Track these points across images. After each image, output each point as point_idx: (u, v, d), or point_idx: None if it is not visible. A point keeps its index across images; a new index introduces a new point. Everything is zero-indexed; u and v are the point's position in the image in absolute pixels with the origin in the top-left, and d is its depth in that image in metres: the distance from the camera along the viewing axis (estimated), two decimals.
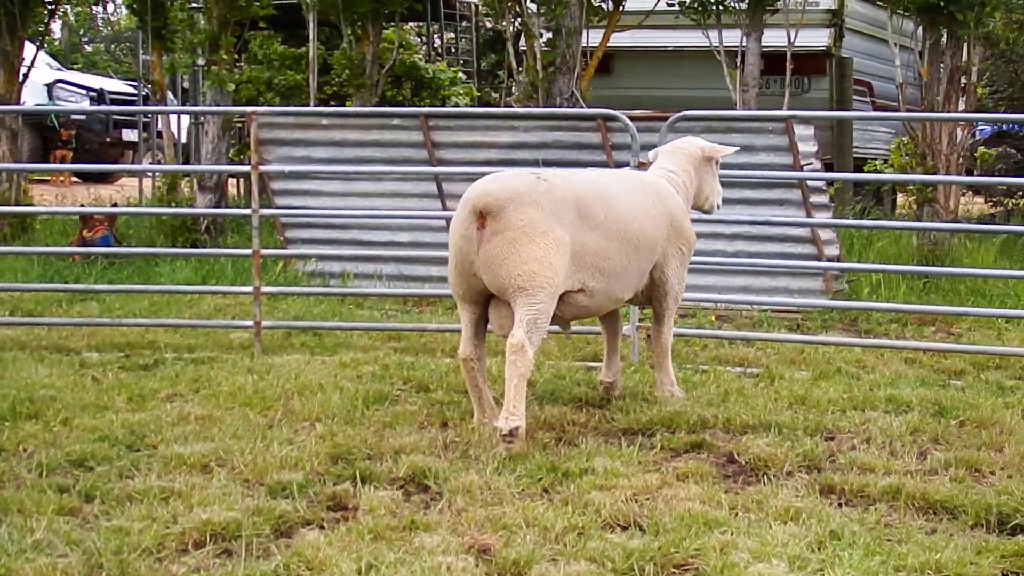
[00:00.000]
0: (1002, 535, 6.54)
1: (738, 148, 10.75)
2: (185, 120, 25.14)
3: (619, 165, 13.39)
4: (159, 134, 23.37)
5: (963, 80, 17.33)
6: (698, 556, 5.98)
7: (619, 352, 9.55)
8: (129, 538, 6.10)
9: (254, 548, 6.11)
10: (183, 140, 24.94)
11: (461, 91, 23.17)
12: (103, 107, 28.41)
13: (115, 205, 18.44)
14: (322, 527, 6.47)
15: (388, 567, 5.74)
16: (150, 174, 23.43)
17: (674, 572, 5.90)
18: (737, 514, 6.66)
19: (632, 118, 11.50)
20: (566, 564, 5.85)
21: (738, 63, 18.39)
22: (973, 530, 6.63)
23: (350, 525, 6.40)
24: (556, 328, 9.26)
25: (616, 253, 8.63)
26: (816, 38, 21.65)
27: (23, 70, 18.42)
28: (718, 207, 10.10)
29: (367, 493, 6.93)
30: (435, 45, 30.93)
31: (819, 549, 6.14)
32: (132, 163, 29.65)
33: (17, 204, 17.80)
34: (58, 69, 31.79)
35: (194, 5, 19.12)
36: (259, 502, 6.74)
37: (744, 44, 18.46)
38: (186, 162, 23.86)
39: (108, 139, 29.82)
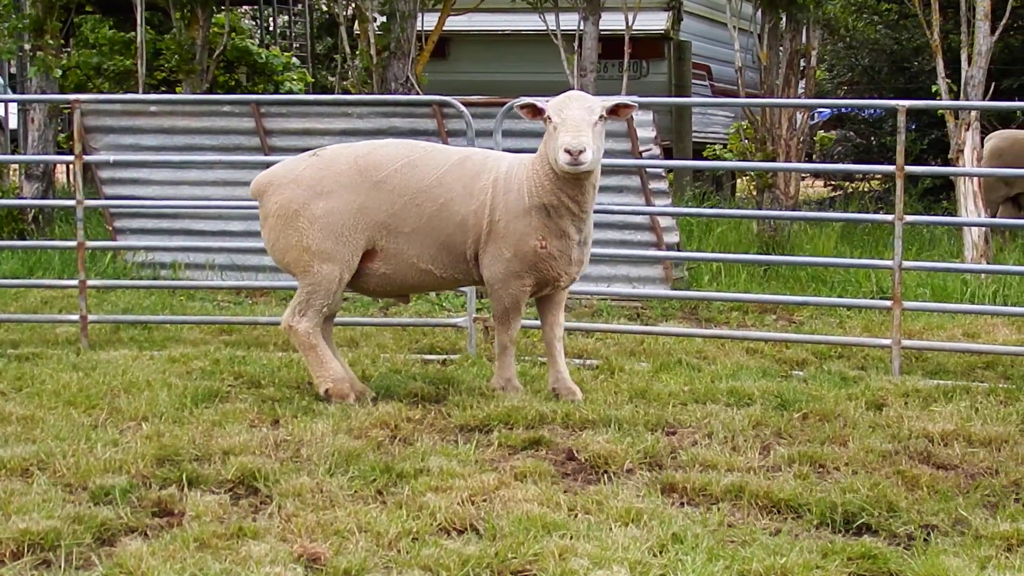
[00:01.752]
0: (848, 535, 6.45)
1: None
2: (14, 106, 24.58)
3: None
4: None
5: (802, 64, 17.41)
6: (536, 562, 5.82)
7: (555, 357, 9.26)
8: None
9: (74, 558, 5.89)
10: (12, 126, 24.37)
11: (295, 76, 22.80)
12: None
13: None
14: (146, 535, 6.24)
15: None
16: None
17: None
18: (576, 516, 6.50)
19: (467, 104, 11.33)
20: (399, 572, 5.69)
21: (575, 47, 18.30)
22: (818, 530, 6.53)
23: (175, 532, 6.18)
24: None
25: (404, 210, 8.85)
26: (654, 21, 21.72)
27: None
28: (567, 163, 8.53)
29: (193, 498, 6.71)
30: (269, 29, 30.51)
31: (661, 553, 6.00)
32: None
33: None
34: None
35: None
36: (80, 509, 6.49)
37: (582, 28, 18.38)
38: (15, 149, 23.32)
39: None
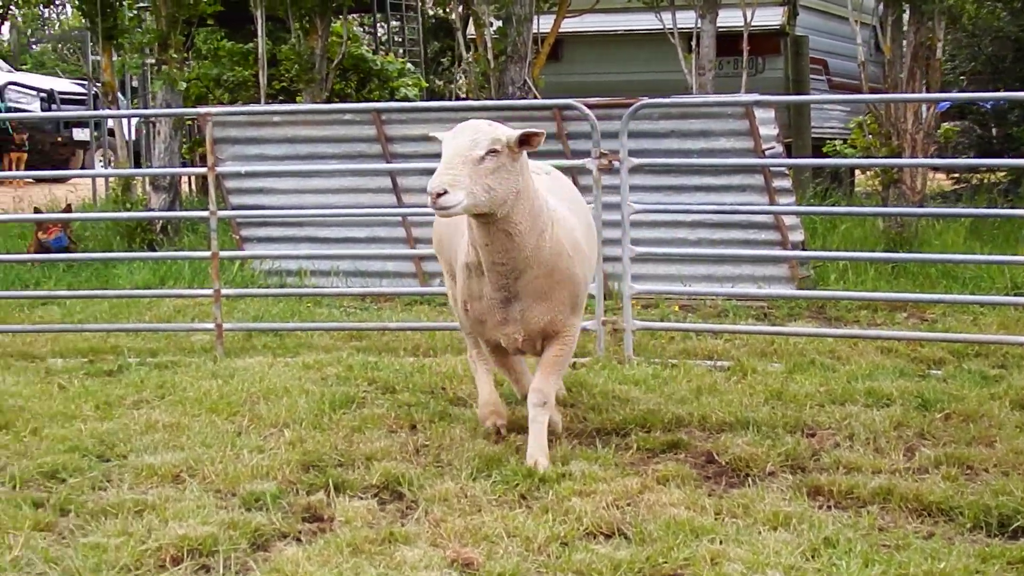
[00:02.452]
0: (1005, 539, 6.37)
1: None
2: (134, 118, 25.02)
3: (575, 155, 13.33)
4: (110, 132, 23.21)
5: (927, 56, 17.19)
6: (688, 566, 5.87)
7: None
8: (107, 555, 6.00)
9: (232, 563, 6.01)
10: (131, 137, 24.80)
11: (409, 82, 23.01)
12: (64, 113, 28.21)
13: (69, 207, 18.26)
14: (299, 540, 6.38)
15: None
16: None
17: None
18: (724, 520, 6.53)
19: (589, 106, 11.36)
20: None
21: (693, 45, 18.30)
22: (973, 533, 6.45)
23: (328, 538, 6.30)
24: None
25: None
26: (770, 17, 21.60)
27: None
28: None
29: (342, 503, 6.83)
30: (380, 35, 30.74)
31: (814, 557, 5.99)
32: (83, 162, 29.57)
33: None
34: (8, 71, 31.62)
35: (142, 4, 18.96)
36: (234, 515, 6.63)
37: (698, 25, 18.36)
38: (136, 160, 23.74)
39: (59, 139, 29.79)
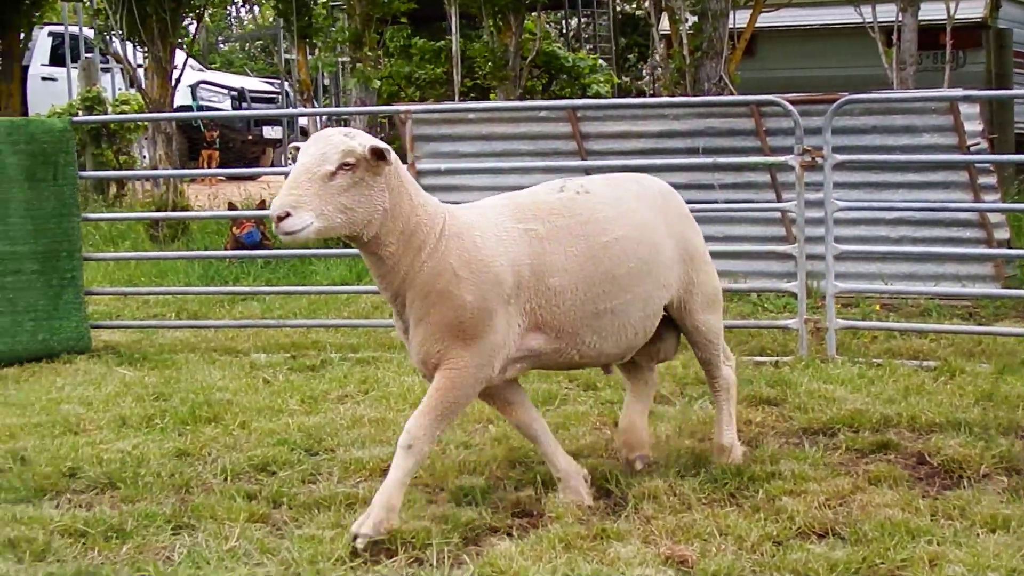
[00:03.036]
0: None
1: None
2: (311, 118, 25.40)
3: (774, 151, 13.21)
4: (303, 131, 23.55)
5: None
6: (906, 568, 5.80)
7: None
8: (322, 547, 6.10)
9: (445, 557, 6.05)
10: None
11: (601, 78, 22.98)
12: (258, 112, 28.77)
13: (263, 203, 18.54)
14: (510, 535, 6.40)
15: None
16: None
17: None
18: (940, 522, 6.44)
19: (790, 102, 11.23)
20: None
21: (893, 39, 18.02)
22: None
23: (539, 533, 6.32)
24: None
25: None
26: (972, 9, 21.17)
27: (175, 75, 18.65)
28: None
29: (551, 499, 6.84)
30: (562, 32, 30.79)
31: None
32: (273, 160, 30.06)
33: (175, 206, 18.05)
34: (199, 70, 32.19)
35: (336, 3, 19.20)
36: (444, 509, 6.71)
37: (899, 19, 18.07)
38: None
39: (250, 137, 30.24)
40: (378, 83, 18.24)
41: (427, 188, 14.41)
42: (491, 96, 19.90)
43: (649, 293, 7.12)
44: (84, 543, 6.28)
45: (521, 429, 7.08)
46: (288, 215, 6.01)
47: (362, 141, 6.22)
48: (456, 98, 18.41)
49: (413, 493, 6.94)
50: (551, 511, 6.65)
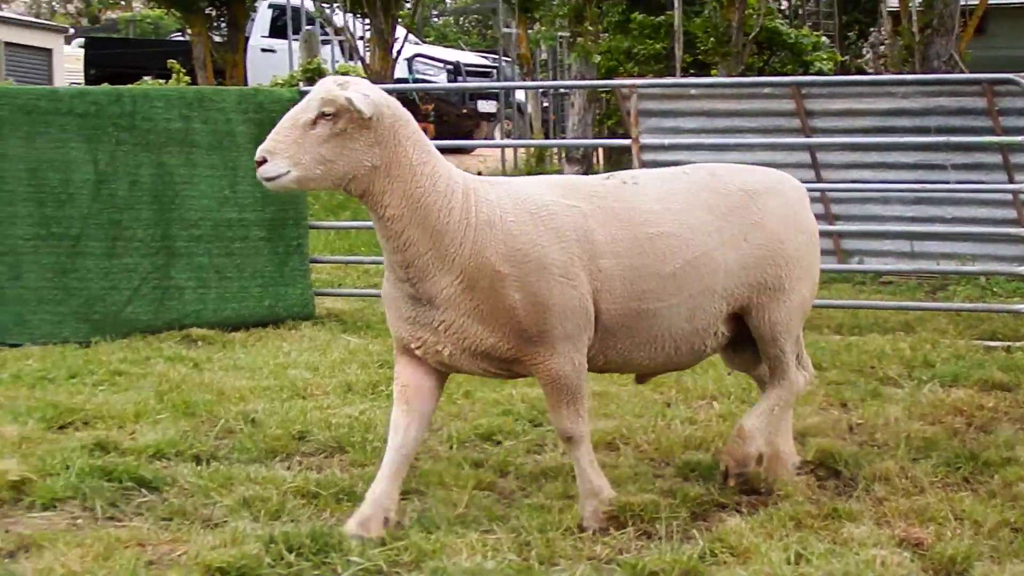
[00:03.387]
0: None
1: None
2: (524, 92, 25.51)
3: (1006, 131, 12.92)
4: (519, 108, 23.68)
5: None
6: None
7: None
8: (550, 516, 6.11)
9: (674, 531, 6.01)
10: (529, 110, 25.36)
11: (824, 56, 22.66)
12: (475, 84, 28.99)
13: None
14: (739, 511, 6.36)
15: (818, 558, 5.56)
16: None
17: None
18: None
19: None
20: (1010, 563, 5.58)
21: None
22: None
23: (769, 511, 6.25)
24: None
25: None
26: None
27: (395, 47, 18.89)
28: None
29: (779, 478, 6.78)
30: (790, 8, 30.44)
31: None
32: (486, 134, 30.26)
33: None
34: (415, 43, 32.55)
35: None
36: (671, 483, 6.69)
37: None
38: (544, 133, 24.18)
39: (464, 110, 30.47)
40: (598, 58, 18.23)
41: (649, 164, 14.57)
42: (712, 72, 19.77)
43: (697, 302, 6.43)
44: (316, 504, 6.39)
45: None
46: (265, 161, 5.78)
47: (350, 92, 5.83)
48: (677, 74, 18.31)
49: (641, 466, 6.97)
50: (780, 489, 6.59)
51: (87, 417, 8.01)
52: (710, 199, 6.53)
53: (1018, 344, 10.27)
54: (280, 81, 21.14)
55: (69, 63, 42.11)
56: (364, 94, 5.84)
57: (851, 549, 5.69)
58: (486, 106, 30.38)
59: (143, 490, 6.56)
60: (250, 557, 5.46)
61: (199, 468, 6.95)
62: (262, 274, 11.59)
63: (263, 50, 30.12)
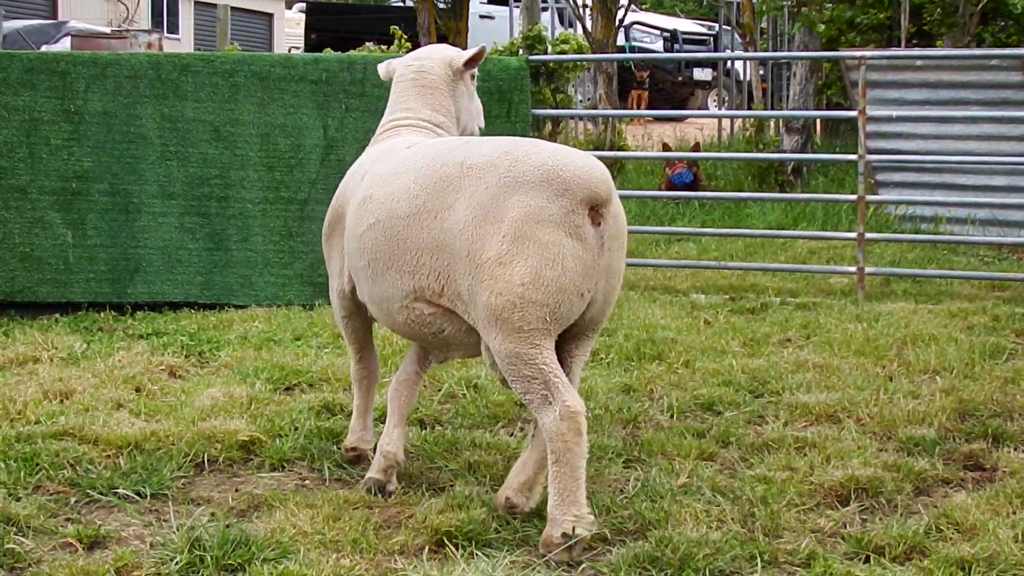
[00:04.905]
0: None
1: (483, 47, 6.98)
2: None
3: None
4: (731, 74, 23.56)
5: None
6: None
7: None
8: (773, 488, 6.13)
9: (898, 506, 6.02)
10: (746, 79, 25.21)
11: None
12: (695, 55, 29.01)
13: (696, 146, 18.73)
14: (963, 487, 6.35)
15: None
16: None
17: None
18: None
19: None
20: None
21: None
22: None
23: (995, 487, 6.21)
24: None
25: None
26: None
27: (619, 15, 18.96)
28: (480, 128, 6.98)
29: (1005, 454, 6.76)
30: None
31: None
32: (701, 102, 30.18)
33: (612, 146, 18.39)
34: (633, 10, 32.53)
35: None
36: (894, 457, 6.67)
37: None
38: (754, 103, 24.06)
39: (680, 78, 30.41)
40: (821, 27, 18.10)
41: (873, 135, 14.44)
42: (937, 43, 19.47)
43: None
44: None
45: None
46: None
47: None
48: (903, 44, 18.09)
49: (863, 440, 6.97)
50: (1005, 466, 6.56)
51: (313, 379, 8.25)
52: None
53: None
54: (500, 48, 21.32)
55: (290, 27, 42.87)
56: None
57: None
58: (702, 74, 30.31)
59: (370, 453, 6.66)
60: (477, 522, 5.57)
61: (424, 432, 7.11)
62: None
63: (481, 16, 30.41)
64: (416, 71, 6.70)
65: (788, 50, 22.14)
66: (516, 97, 11.72)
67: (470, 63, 6.72)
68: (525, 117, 11.74)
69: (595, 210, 5.42)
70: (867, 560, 5.35)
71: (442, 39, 22.91)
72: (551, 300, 5.30)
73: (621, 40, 28.64)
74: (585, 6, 19.55)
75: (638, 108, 27.62)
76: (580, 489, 5.31)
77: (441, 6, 23.40)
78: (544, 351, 5.35)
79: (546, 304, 5.30)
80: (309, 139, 11.25)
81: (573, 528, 5.26)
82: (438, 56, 6.77)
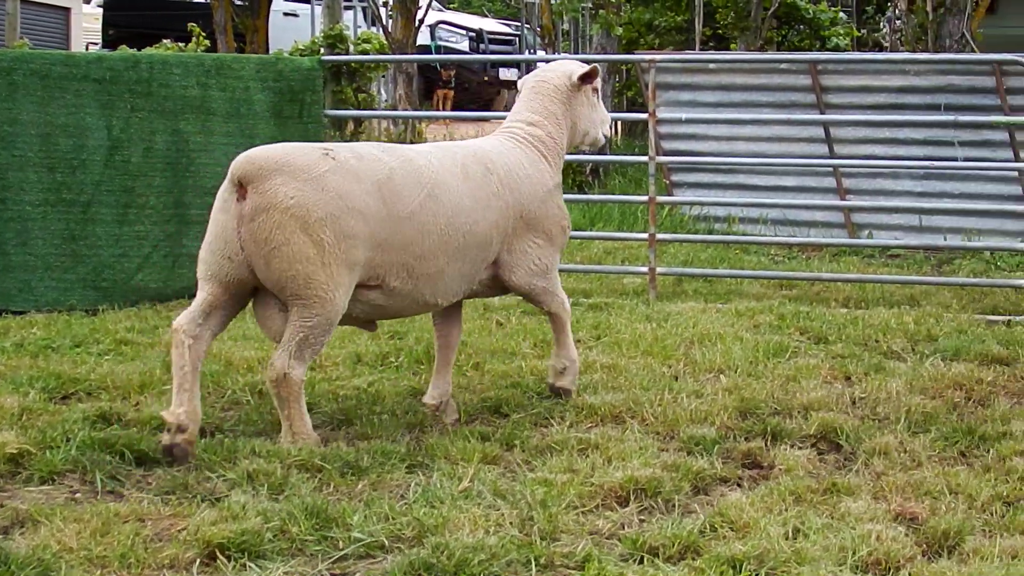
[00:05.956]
0: None
1: (595, 66, 8.15)
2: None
3: (1014, 111, 13.07)
4: None
5: None
6: None
7: (451, 367, 7.95)
8: (553, 491, 6.15)
9: (676, 506, 6.11)
10: None
11: (841, 31, 22.70)
12: (496, 56, 29.01)
13: None
14: (740, 485, 6.47)
15: (816, 532, 5.65)
16: None
17: None
18: None
19: None
20: (1000, 537, 5.68)
21: None
22: None
23: (769, 485, 6.35)
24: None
25: (431, 251, 7.19)
26: None
27: (419, 15, 18.93)
28: (606, 137, 8.41)
29: (781, 451, 6.89)
30: None
31: None
32: (507, 102, 30.23)
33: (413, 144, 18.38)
34: (439, 10, 32.51)
35: None
36: (675, 458, 6.76)
37: None
38: None
39: (486, 78, 30.44)
40: (619, 30, 18.29)
41: (663, 136, 14.65)
42: (731, 46, 19.81)
43: None
44: (320, 478, 6.37)
45: None
46: None
47: None
48: (696, 47, 18.37)
49: (646, 440, 7.04)
50: (781, 463, 6.70)
51: (91, 388, 8.06)
52: None
53: (1019, 318, 10.39)
54: (301, 47, 21.17)
55: (87, 23, 42.06)
56: None
57: (848, 524, 5.77)
58: (508, 74, 30.39)
59: (146, 463, 6.57)
60: (251, 533, 5.49)
61: (203, 441, 6.91)
62: None
63: (285, 14, 30.10)
64: (537, 80, 8.07)
65: (589, 52, 22.33)
66: (309, 98, 11.69)
67: (586, 78, 7.96)
68: (318, 118, 11.72)
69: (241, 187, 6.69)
70: (641, 561, 5.41)
71: (239, 37, 22.72)
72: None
73: (427, 39, 28.61)
74: (385, 4, 19.49)
75: (444, 108, 27.62)
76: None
77: (238, 3, 23.16)
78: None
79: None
80: (93, 139, 11.05)
81: None
82: (561, 69, 8.06)
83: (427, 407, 7.66)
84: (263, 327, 7.09)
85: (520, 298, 9.61)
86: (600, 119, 8.19)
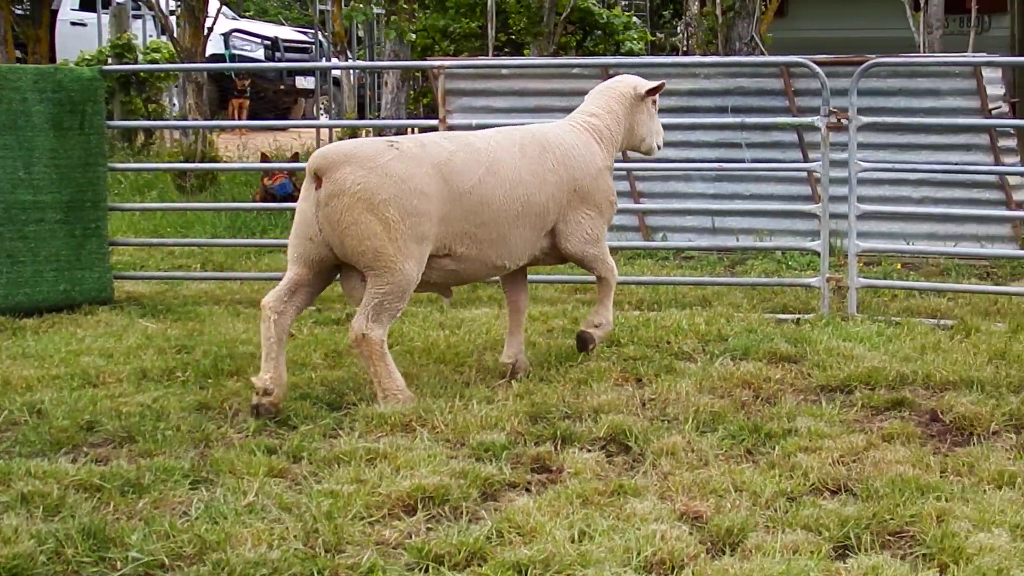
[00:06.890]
0: None
1: (663, 82, 9.70)
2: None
3: (801, 112, 13.31)
4: (336, 82, 23.57)
5: None
6: (914, 524, 5.87)
7: (522, 329, 9.12)
8: (340, 502, 6.11)
9: (464, 513, 6.10)
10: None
11: (635, 35, 22.97)
12: (292, 64, 28.79)
13: (296, 156, 18.65)
14: (528, 490, 6.48)
15: (601, 534, 5.69)
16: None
17: (890, 540, 5.80)
18: (949, 478, 6.55)
19: (817, 64, 11.28)
20: (781, 533, 5.78)
21: (920, 3, 18.01)
22: None
23: (557, 489, 6.38)
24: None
25: (492, 219, 8.37)
26: None
27: (208, 23, 18.72)
28: (659, 147, 9.66)
29: (570, 455, 6.92)
30: None
31: None
32: (305, 110, 30.10)
33: (203, 156, 18.15)
34: (233, 18, 32.21)
35: None
36: (464, 464, 6.75)
37: None
38: (360, 111, 24.10)
39: (282, 87, 30.23)
40: (413, 36, 18.28)
41: None
42: (525, 52, 19.92)
43: None
44: (100, 498, 6.22)
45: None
46: None
47: None
48: (490, 53, 18.42)
49: (435, 448, 7.03)
50: (570, 467, 6.73)
51: None
52: None
53: (807, 316, 10.58)
54: (88, 57, 20.82)
55: None
56: None
57: (633, 525, 5.82)
58: (304, 82, 30.18)
59: None
60: (23, 556, 5.36)
61: None
62: (57, 258, 11.34)
63: (73, 23, 29.54)
64: (605, 85, 9.62)
65: (382, 58, 22.28)
66: (90, 108, 11.46)
67: (651, 91, 9.40)
68: (100, 128, 11.51)
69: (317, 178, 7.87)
70: (427, 570, 5.40)
71: (20, 47, 22.26)
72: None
73: (221, 48, 28.33)
74: (172, 13, 19.25)
75: (239, 117, 27.33)
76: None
77: (19, 12, 22.68)
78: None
79: None
80: None
81: None
82: (628, 80, 9.53)
83: (504, 365, 8.79)
84: (349, 296, 8.33)
85: (313, 308, 9.58)
86: (655, 130, 9.49)
